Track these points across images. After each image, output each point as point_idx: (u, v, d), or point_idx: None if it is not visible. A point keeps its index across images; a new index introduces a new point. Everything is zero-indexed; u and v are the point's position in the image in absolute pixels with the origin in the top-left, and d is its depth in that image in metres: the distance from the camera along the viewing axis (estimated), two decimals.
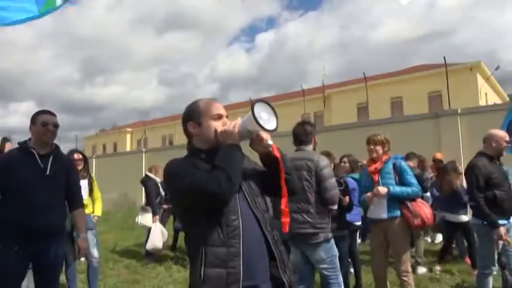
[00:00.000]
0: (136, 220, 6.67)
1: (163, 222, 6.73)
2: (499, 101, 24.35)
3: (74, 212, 3.04)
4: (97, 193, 4.64)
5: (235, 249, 1.57)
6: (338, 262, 3.33)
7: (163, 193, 6.76)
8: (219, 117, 1.75)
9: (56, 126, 2.89)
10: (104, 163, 19.75)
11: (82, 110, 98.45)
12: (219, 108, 1.77)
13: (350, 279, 4.59)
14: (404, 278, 3.49)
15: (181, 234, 7.24)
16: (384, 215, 3.52)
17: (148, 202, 6.57)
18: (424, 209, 3.53)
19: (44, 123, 2.82)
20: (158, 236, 6.17)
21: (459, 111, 10.44)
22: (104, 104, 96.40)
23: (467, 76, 21.27)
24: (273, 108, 1.69)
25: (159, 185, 6.76)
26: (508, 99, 29.31)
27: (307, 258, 3.37)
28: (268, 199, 1.84)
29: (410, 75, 24.45)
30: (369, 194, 3.55)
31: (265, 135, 1.64)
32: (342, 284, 3.34)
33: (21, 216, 2.66)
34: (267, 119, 1.64)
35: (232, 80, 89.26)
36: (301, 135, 3.42)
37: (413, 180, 3.58)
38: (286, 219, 1.72)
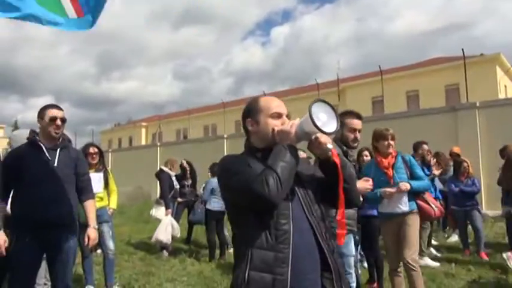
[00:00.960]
0: (150, 213, 6.76)
1: (177, 215, 6.79)
2: None
3: (84, 203, 3.07)
4: (113, 186, 4.70)
5: (284, 255, 1.48)
6: (351, 261, 3.21)
7: (177, 186, 6.82)
8: (278, 116, 1.67)
9: (64, 120, 2.94)
10: (119, 157, 20.03)
11: (98, 104, 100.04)
12: (279, 107, 1.69)
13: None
14: (414, 269, 3.47)
15: (196, 228, 7.34)
16: (406, 208, 3.51)
17: (162, 195, 6.64)
18: (435, 201, 3.55)
19: (52, 118, 2.87)
20: (164, 230, 6.21)
21: (477, 104, 10.24)
22: (119, 99, 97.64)
23: (486, 68, 20.76)
24: (333, 108, 1.58)
25: (173, 178, 6.82)
26: None
27: None
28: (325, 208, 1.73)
29: (426, 68, 23.99)
30: (389, 189, 3.48)
31: (323, 138, 1.53)
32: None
33: (31, 209, 2.72)
34: (326, 120, 1.52)
35: (246, 74, 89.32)
36: None
37: (422, 174, 3.67)
38: (342, 231, 1.64)
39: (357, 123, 3.18)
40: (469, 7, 63.00)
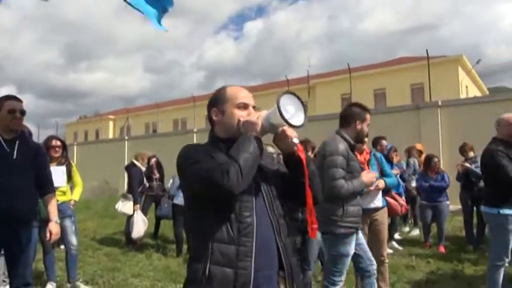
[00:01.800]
0: (116, 207, 6.62)
1: (144, 210, 6.70)
2: (479, 94, 24.87)
3: (45, 197, 2.99)
4: (77, 179, 4.58)
5: (247, 249, 1.44)
6: (344, 262, 3.03)
7: (145, 182, 6.74)
8: (245, 106, 1.62)
9: (23, 113, 2.85)
10: (85, 150, 19.48)
11: (64, 96, 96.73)
12: (246, 97, 1.64)
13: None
14: (385, 263, 3.63)
15: (163, 222, 7.26)
16: (380, 204, 3.62)
17: (130, 190, 6.53)
18: (400, 198, 3.71)
19: (10, 110, 2.78)
20: (141, 225, 6.19)
21: (439, 103, 10.63)
22: (87, 90, 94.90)
23: (449, 69, 21.58)
24: (302, 102, 1.50)
25: (143, 173, 6.73)
26: (487, 92, 29.97)
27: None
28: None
29: (393, 67, 24.69)
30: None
31: (290, 132, 1.50)
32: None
33: None
34: (293, 113, 1.46)
35: (218, 68, 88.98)
36: (342, 116, 3.13)
37: (391, 171, 3.83)
38: (312, 228, 1.59)
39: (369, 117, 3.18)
40: (437, 9, 65.22)
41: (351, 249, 2.95)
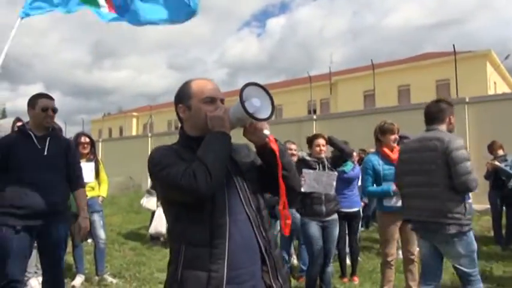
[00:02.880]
0: (141, 203, 6.76)
1: None
2: (508, 90, 24.09)
3: (75, 192, 3.08)
4: (103, 176, 4.70)
5: (219, 251, 1.39)
6: (476, 257, 2.86)
7: None
8: (212, 100, 1.52)
9: (55, 110, 2.94)
10: (110, 147, 19.89)
11: (89, 93, 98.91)
12: (212, 90, 1.54)
13: (347, 267, 4.65)
14: (415, 262, 3.59)
15: None
16: None
17: (153, 186, 6.64)
18: None
19: (44, 108, 2.87)
20: (162, 220, 6.26)
21: (467, 100, 10.36)
22: (111, 88, 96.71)
23: (477, 64, 20.97)
24: (267, 92, 1.43)
25: None
26: None
27: (435, 250, 2.92)
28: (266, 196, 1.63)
29: (418, 63, 24.16)
30: None
31: (260, 124, 1.44)
32: (480, 280, 2.85)
33: (21, 196, 2.71)
34: (259, 105, 1.39)
35: (241, 65, 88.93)
36: (434, 112, 3.04)
37: None
38: (286, 221, 1.52)
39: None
40: (464, 2, 63.32)
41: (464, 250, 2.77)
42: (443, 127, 3.00)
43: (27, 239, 2.79)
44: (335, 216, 3.85)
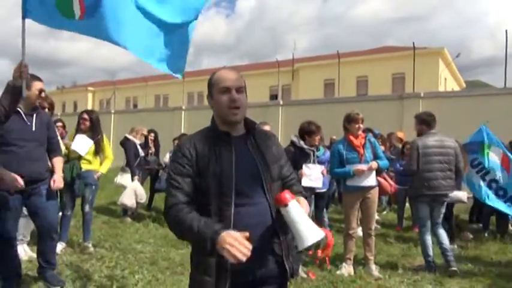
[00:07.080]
0: (115, 180, 6.87)
1: (140, 183, 6.97)
2: (456, 87, 25.80)
3: (53, 160, 3.44)
4: (108, 153, 4.88)
5: (227, 215, 1.55)
6: None
7: (142, 154, 6.98)
8: (227, 90, 1.60)
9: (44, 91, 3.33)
10: (70, 122, 19.29)
11: (42, 63, 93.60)
12: (227, 80, 1.61)
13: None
14: (373, 236, 4.21)
15: (158, 195, 7.55)
16: (373, 183, 4.10)
17: (128, 163, 6.77)
18: (390, 179, 4.24)
19: (41, 90, 3.22)
20: (130, 194, 6.42)
21: (422, 94, 11.22)
22: (67, 60, 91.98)
23: (430, 61, 22.24)
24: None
25: (138, 146, 6.97)
26: (464, 85, 30.89)
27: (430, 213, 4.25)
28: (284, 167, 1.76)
29: (376, 55, 25.19)
30: (360, 166, 3.97)
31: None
32: None
33: (13, 165, 3.02)
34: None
35: (207, 45, 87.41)
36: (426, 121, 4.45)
37: (383, 154, 4.27)
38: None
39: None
40: (429, 0, 65.76)
41: None
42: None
43: (19, 199, 3.15)
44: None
